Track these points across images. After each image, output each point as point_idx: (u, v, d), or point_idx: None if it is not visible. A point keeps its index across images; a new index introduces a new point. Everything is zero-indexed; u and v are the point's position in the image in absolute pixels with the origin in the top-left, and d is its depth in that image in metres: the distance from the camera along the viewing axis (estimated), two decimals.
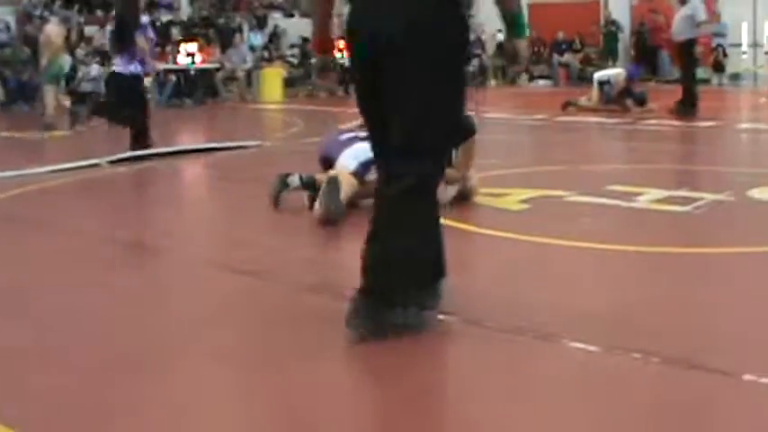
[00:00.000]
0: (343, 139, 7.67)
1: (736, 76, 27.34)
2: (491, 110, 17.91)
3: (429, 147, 4.14)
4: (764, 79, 26.95)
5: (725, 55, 26.67)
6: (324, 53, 4.77)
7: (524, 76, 28.01)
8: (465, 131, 7.32)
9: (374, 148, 4.48)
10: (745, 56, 28.10)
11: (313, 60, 5.16)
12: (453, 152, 7.34)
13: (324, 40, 4.71)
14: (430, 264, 4.28)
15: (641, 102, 16.68)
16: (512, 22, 4.48)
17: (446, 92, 4.21)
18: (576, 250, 5.94)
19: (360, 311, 4.09)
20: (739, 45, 27.87)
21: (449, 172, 7.32)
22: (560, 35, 28.36)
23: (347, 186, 6.94)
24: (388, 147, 4.17)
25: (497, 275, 5.36)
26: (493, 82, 28.17)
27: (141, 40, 11.86)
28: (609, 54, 28.24)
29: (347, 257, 5.82)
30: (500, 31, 28.28)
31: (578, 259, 5.81)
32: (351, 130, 7.82)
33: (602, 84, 17.14)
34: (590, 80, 19.52)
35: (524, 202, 7.54)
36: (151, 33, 12.86)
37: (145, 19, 12.68)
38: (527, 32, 4.75)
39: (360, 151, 7.14)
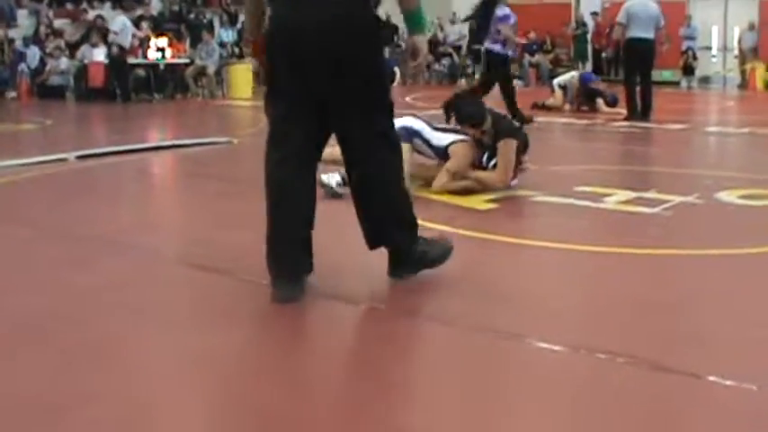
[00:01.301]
0: None
1: (705, 80, 27.50)
2: None
3: None
4: (733, 83, 27.12)
5: (695, 58, 26.79)
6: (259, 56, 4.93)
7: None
8: (512, 134, 7.96)
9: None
10: (714, 59, 28.27)
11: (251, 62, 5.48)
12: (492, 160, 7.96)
13: (260, 43, 4.85)
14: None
15: (613, 103, 16.75)
16: (410, 18, 4.83)
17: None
18: (543, 250, 5.94)
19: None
20: (709, 48, 28.03)
21: (486, 177, 7.82)
22: (531, 35, 28.42)
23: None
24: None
25: (462, 274, 5.34)
26: (463, 81, 28.18)
27: (506, 28, 14.15)
28: (579, 56, 28.36)
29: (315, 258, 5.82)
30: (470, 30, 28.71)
31: (545, 259, 5.81)
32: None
33: (561, 87, 17.41)
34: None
35: (491, 201, 7.54)
36: (512, 20, 14.47)
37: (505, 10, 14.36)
38: (426, 29, 5.20)
39: (406, 121, 8.08)
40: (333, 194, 7.48)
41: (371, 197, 4.98)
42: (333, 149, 5.20)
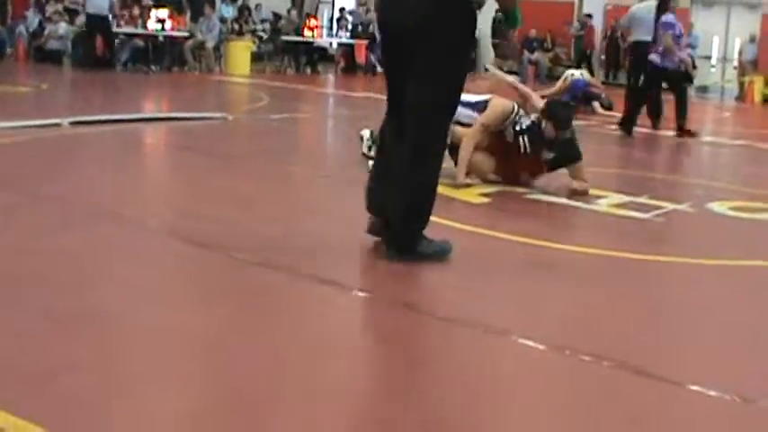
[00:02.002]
0: None
1: (703, 89, 27.52)
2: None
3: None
4: (731, 94, 27.15)
5: (694, 66, 26.82)
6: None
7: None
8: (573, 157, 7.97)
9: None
10: (713, 69, 28.30)
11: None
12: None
13: None
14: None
15: (608, 107, 16.71)
16: (507, 15, 5.56)
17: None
18: (532, 248, 5.92)
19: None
20: (709, 58, 28.06)
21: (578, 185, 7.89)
22: (532, 32, 28.38)
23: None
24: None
25: (450, 266, 5.33)
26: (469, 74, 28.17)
27: (667, 37, 13.79)
28: (580, 57, 28.30)
29: (301, 236, 5.81)
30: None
31: (534, 257, 5.79)
32: None
33: None
34: (557, 78, 19.60)
35: (485, 195, 7.54)
36: (676, 30, 14.12)
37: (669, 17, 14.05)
38: (519, 24, 5.69)
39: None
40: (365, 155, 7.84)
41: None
42: None
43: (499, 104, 8.04)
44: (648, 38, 14.72)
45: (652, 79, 14.29)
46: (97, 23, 20.31)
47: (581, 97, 16.64)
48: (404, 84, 5.22)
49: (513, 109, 7.98)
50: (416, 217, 5.27)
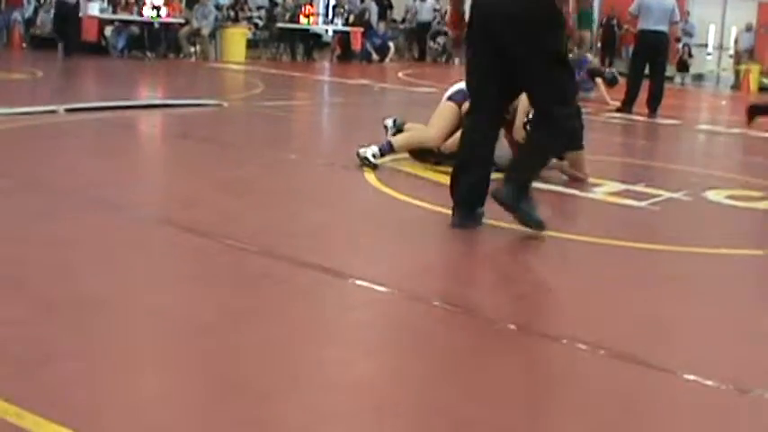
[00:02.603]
0: None
1: (699, 77, 27.52)
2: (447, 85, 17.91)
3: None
4: (727, 82, 27.13)
5: (690, 55, 26.80)
6: (455, 29, 5.61)
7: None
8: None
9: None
10: (709, 57, 28.29)
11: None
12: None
13: (456, 19, 5.65)
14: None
15: (611, 81, 16.60)
16: (581, 16, 5.74)
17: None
18: (525, 236, 5.90)
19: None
20: (705, 46, 28.04)
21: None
22: None
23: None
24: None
25: (446, 257, 5.33)
26: (457, 60, 28.13)
27: None
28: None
29: (300, 223, 5.80)
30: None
31: (527, 245, 5.78)
32: None
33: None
34: None
35: None
36: None
37: None
38: (593, 26, 5.91)
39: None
40: (365, 161, 7.73)
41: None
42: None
43: None
44: (657, 27, 14.75)
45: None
46: (65, 11, 20.37)
47: (586, 72, 16.60)
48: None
49: None
50: (530, 171, 5.90)
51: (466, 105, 8.05)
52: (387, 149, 7.89)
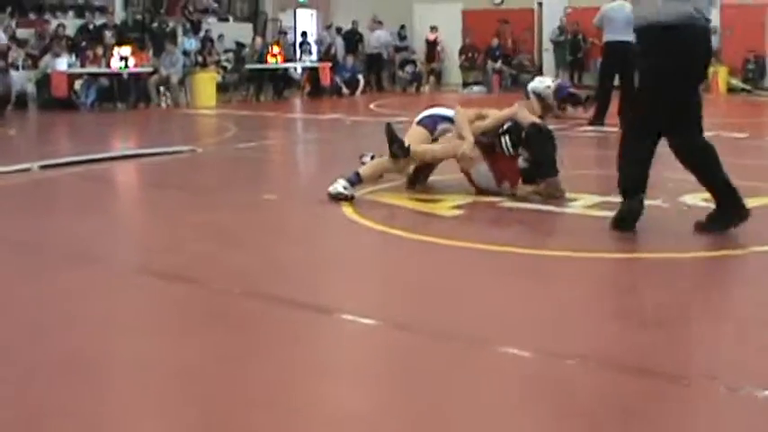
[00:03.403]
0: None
1: None
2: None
3: None
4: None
5: None
6: None
7: (459, 83, 28.26)
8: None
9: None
10: None
11: None
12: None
13: None
14: None
15: (585, 101, 16.64)
16: None
17: None
18: (507, 255, 5.92)
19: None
20: None
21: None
22: (494, 42, 28.42)
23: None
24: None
25: (427, 281, 5.33)
26: (426, 88, 28.21)
27: None
28: (559, 64, 27.97)
29: (279, 263, 5.80)
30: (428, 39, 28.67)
31: (508, 264, 5.80)
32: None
33: (536, 95, 17.21)
34: (521, 85, 19.50)
35: (457, 207, 7.53)
36: None
37: None
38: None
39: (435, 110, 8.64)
40: (340, 196, 7.73)
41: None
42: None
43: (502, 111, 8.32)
44: (622, 37, 14.82)
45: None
46: None
47: (567, 100, 16.61)
48: None
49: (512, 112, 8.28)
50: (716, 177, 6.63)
51: (442, 127, 8.22)
52: (355, 180, 7.88)
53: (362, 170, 7.99)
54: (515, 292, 5.16)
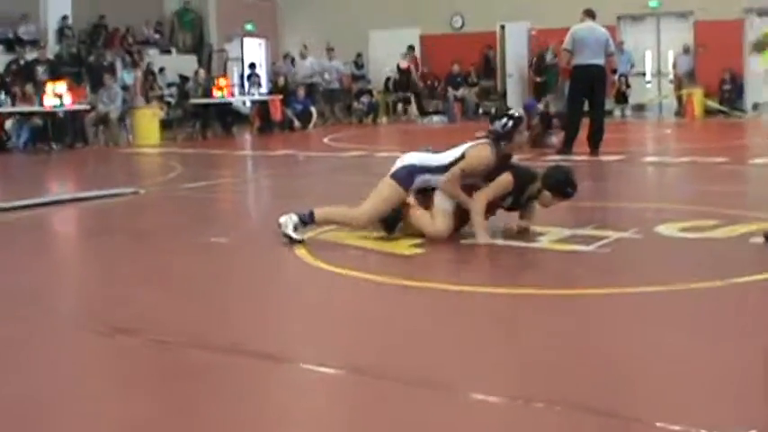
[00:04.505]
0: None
1: (640, 107, 27.80)
2: (385, 148, 18.04)
3: None
4: (670, 110, 27.46)
5: (627, 85, 27.02)
6: None
7: (415, 113, 28.40)
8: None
9: None
10: (649, 85, 28.60)
11: None
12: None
13: None
14: None
15: (556, 117, 16.97)
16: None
17: None
18: (470, 296, 5.97)
19: None
20: (643, 74, 28.36)
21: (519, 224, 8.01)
22: (455, 68, 28.59)
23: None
24: None
25: (387, 325, 5.36)
26: (384, 119, 28.31)
27: None
28: (547, 90, 27.76)
29: (228, 310, 5.81)
30: (390, 69, 28.76)
31: (472, 306, 5.84)
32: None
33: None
34: (486, 114, 19.62)
35: (417, 246, 7.55)
36: None
37: None
38: None
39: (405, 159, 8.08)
40: (289, 239, 7.70)
41: None
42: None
43: (475, 152, 7.89)
44: (592, 60, 15.03)
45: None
46: None
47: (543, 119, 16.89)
48: None
49: (490, 156, 7.86)
50: None
51: (422, 179, 7.87)
52: (307, 219, 7.79)
53: (318, 211, 7.87)
54: (481, 335, 5.20)
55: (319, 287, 6.57)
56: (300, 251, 7.44)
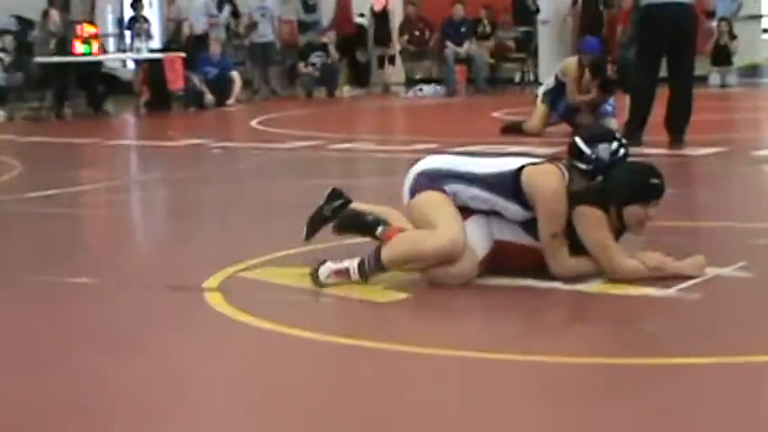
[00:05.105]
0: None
1: (751, 71, 27.77)
2: (349, 136, 18.13)
3: None
4: None
5: (732, 36, 26.97)
6: None
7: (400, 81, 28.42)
8: None
9: None
10: (766, 36, 28.60)
11: None
12: None
13: None
14: None
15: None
16: None
17: None
18: (466, 364, 6.01)
19: None
20: (758, 18, 28.39)
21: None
22: (458, 11, 28.43)
23: None
24: None
25: (344, 409, 5.40)
26: (346, 89, 28.27)
27: None
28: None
29: (97, 390, 5.83)
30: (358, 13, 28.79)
31: (465, 379, 5.87)
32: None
33: (546, 95, 17.38)
34: (504, 83, 19.71)
35: (401, 289, 7.58)
36: None
37: None
38: None
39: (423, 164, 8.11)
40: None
41: None
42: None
43: (544, 189, 7.64)
44: None
45: None
46: None
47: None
48: None
49: (563, 176, 7.72)
50: None
51: (451, 190, 7.76)
52: (372, 267, 7.63)
53: (387, 253, 7.62)
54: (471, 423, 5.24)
55: (242, 354, 6.54)
56: (213, 298, 7.42)
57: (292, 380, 5.98)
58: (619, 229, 7.68)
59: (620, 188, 7.63)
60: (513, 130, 17.56)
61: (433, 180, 7.74)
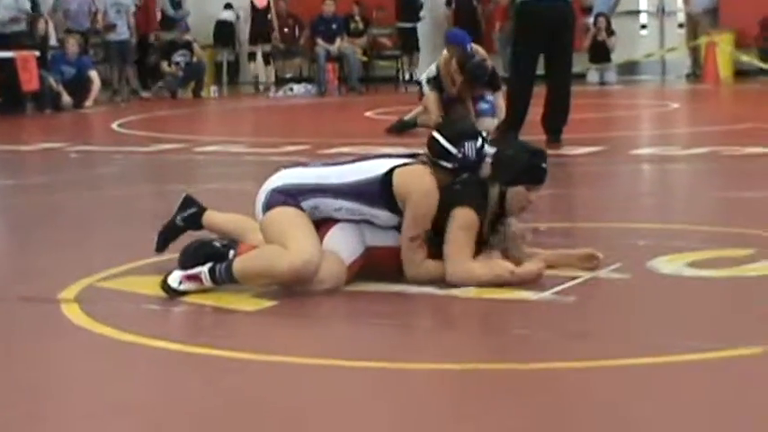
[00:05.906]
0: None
1: (629, 67, 28.02)
2: (214, 139, 18.09)
3: None
4: (679, 70, 27.76)
5: (610, 33, 27.18)
6: None
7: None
8: None
9: None
10: (645, 32, 28.86)
11: None
12: None
13: None
14: None
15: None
16: None
17: None
18: (322, 372, 6.03)
19: None
20: (636, 14, 28.63)
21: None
22: (328, 7, 28.45)
23: None
24: None
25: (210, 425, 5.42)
26: (213, 89, 28.23)
27: None
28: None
29: None
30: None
31: (335, 389, 5.87)
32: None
33: (431, 81, 17.27)
34: (378, 82, 19.74)
35: (265, 296, 7.64)
36: None
37: None
38: None
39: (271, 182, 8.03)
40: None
41: None
42: None
43: (421, 189, 7.72)
44: None
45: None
46: None
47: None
48: None
49: (433, 187, 7.73)
50: None
51: (309, 205, 7.76)
52: (224, 276, 7.66)
53: (237, 265, 7.66)
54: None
55: (103, 369, 6.49)
56: (70, 310, 7.39)
57: (157, 394, 5.98)
58: (483, 241, 7.79)
59: (510, 167, 7.76)
60: (403, 129, 17.53)
61: (289, 196, 7.74)
